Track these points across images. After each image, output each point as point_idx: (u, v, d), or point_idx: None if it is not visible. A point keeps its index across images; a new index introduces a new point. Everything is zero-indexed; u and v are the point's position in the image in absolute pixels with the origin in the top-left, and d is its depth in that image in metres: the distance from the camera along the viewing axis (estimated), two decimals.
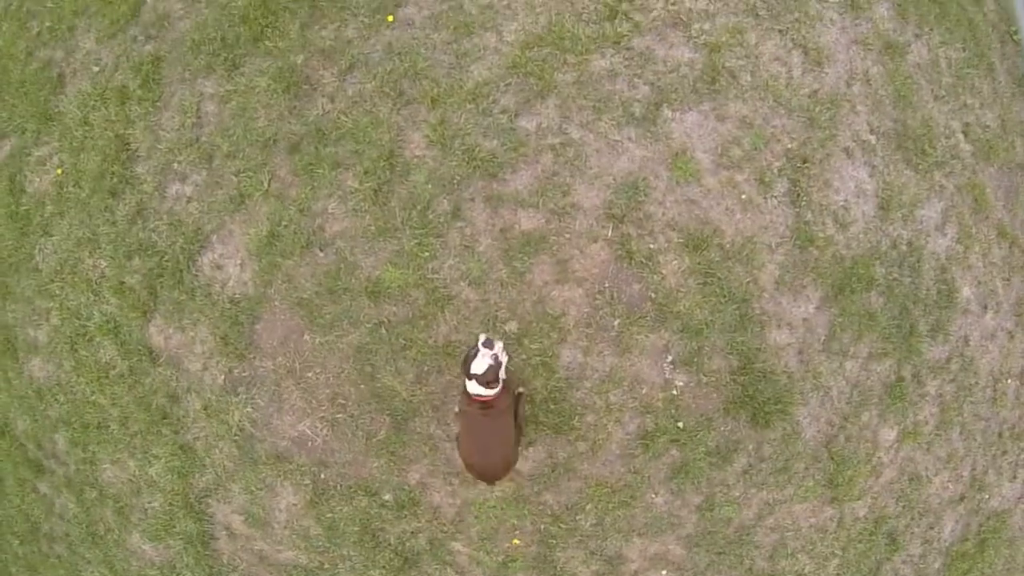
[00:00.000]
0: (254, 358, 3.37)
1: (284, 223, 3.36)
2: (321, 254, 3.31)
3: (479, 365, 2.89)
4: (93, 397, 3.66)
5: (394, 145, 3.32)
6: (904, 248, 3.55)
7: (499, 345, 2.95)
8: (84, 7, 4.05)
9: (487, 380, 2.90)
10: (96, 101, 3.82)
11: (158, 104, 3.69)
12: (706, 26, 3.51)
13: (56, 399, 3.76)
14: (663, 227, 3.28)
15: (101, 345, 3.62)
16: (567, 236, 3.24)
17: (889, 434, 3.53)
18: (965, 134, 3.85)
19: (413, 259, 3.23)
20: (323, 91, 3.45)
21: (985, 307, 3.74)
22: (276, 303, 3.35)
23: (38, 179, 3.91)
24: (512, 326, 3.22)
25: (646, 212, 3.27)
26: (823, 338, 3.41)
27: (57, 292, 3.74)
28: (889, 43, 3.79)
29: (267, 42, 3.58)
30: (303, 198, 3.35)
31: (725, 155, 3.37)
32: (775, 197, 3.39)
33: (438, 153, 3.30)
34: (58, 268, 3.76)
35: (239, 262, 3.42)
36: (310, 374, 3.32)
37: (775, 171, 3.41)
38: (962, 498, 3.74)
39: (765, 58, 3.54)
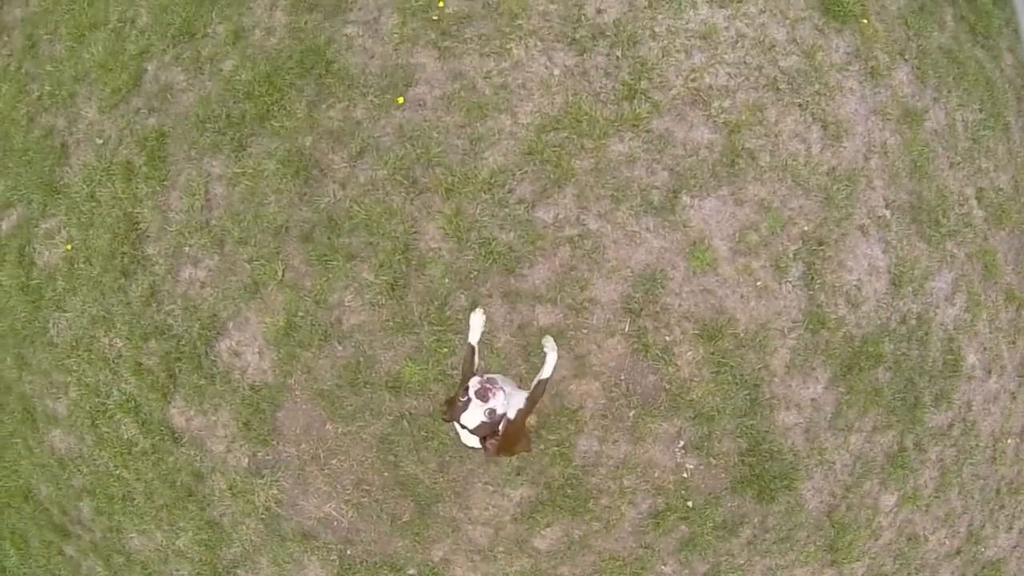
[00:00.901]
0: (277, 443, 3.44)
1: (301, 314, 3.35)
2: (340, 347, 3.32)
3: (471, 417, 2.45)
4: (117, 471, 3.73)
5: (409, 237, 3.27)
6: (913, 322, 3.59)
7: (499, 397, 2.44)
8: (84, 73, 3.87)
9: (482, 435, 2.50)
10: (102, 176, 3.71)
11: (165, 183, 3.59)
12: (726, 103, 3.41)
13: (79, 469, 3.83)
14: (679, 319, 3.30)
15: (122, 422, 3.66)
16: (585, 331, 3.26)
17: (889, 499, 3.68)
18: (979, 199, 3.82)
19: (432, 354, 3.25)
20: (333, 177, 3.36)
21: (989, 371, 3.82)
22: (297, 393, 3.38)
23: (47, 252, 3.84)
24: (531, 420, 3.28)
25: (663, 304, 3.28)
26: (829, 416, 3.50)
27: (74, 368, 3.75)
28: (907, 110, 3.70)
29: (274, 122, 3.46)
30: (319, 289, 3.33)
31: (742, 241, 3.35)
32: (790, 282, 3.40)
33: (454, 246, 3.26)
34: (73, 344, 3.75)
35: (257, 350, 3.42)
36: (334, 461, 3.39)
37: (791, 255, 3.40)
38: (958, 552, 3.93)
39: (785, 136, 3.46)
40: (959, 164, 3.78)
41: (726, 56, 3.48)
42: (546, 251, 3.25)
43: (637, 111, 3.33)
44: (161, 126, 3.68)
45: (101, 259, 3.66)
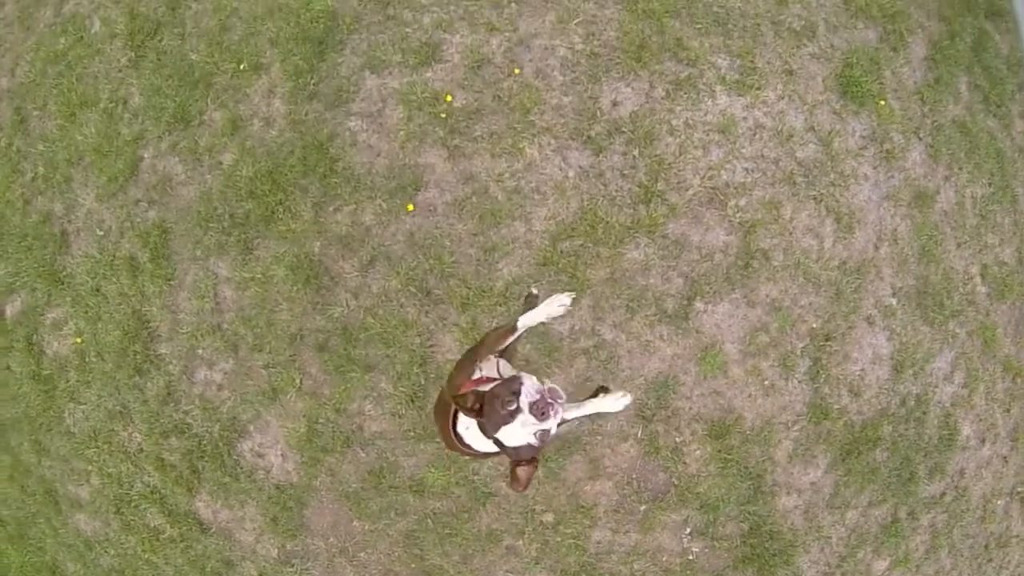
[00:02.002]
0: (306, 537, 3.54)
1: (321, 421, 3.37)
2: (363, 453, 3.36)
3: (513, 435, 1.78)
4: (145, 555, 3.82)
5: (425, 350, 3.25)
6: (912, 403, 3.70)
7: (558, 416, 1.81)
8: (78, 156, 3.68)
9: (517, 459, 1.86)
10: (105, 269, 3.60)
11: (172, 283, 3.49)
12: (742, 202, 3.34)
13: (106, 551, 3.92)
14: (689, 420, 3.37)
15: (147, 511, 3.73)
16: (599, 438, 3.32)
17: (881, 565, 3.91)
18: (983, 276, 3.84)
19: (454, 462, 3.32)
20: (345, 286, 3.29)
21: (983, 440, 3.97)
22: (322, 493, 3.45)
23: (56, 343, 3.77)
24: (548, 517, 3.40)
25: (674, 409, 3.34)
26: (827, 496, 3.66)
27: (94, 458, 3.77)
28: (919, 193, 3.65)
29: (280, 224, 3.34)
30: (338, 398, 3.33)
31: (752, 343, 3.38)
32: (796, 378, 3.46)
33: None
34: (91, 435, 3.75)
35: (280, 452, 3.46)
36: (362, 554, 3.51)
37: (798, 352, 3.44)
38: None
39: (799, 232, 3.42)
40: (966, 243, 3.78)
41: (744, 150, 3.39)
42: (562, 362, 3.26)
43: (653, 215, 3.26)
44: (162, 221, 3.54)
45: (113, 355, 3.61)
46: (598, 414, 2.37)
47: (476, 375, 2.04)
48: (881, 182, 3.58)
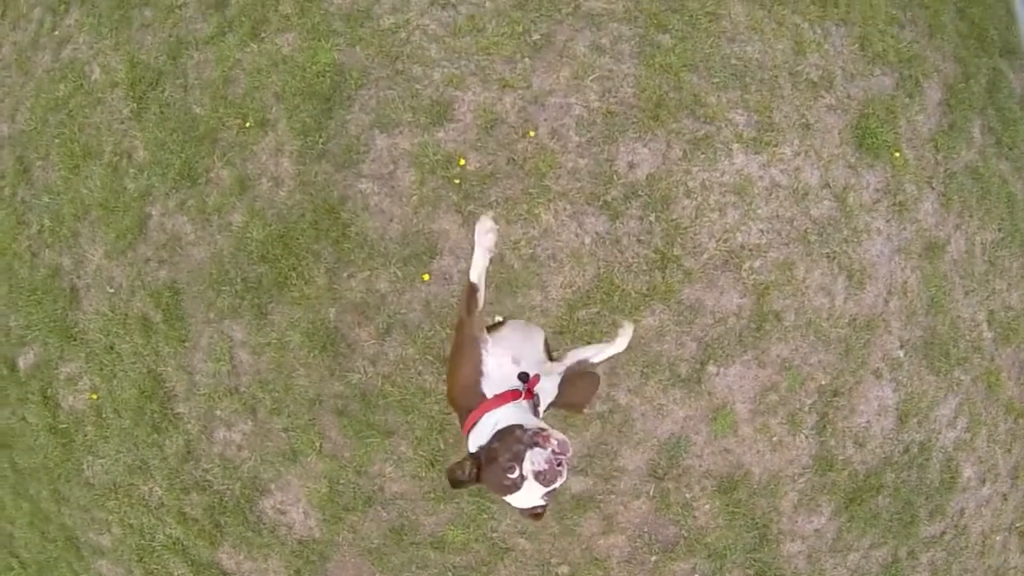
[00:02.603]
0: None
1: (343, 482, 3.40)
2: (384, 512, 3.41)
3: (523, 499, 1.66)
4: None
5: (444, 416, 3.26)
6: (915, 451, 3.77)
7: (561, 480, 1.64)
8: (84, 210, 3.60)
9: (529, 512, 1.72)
10: (118, 328, 3.56)
11: (186, 344, 3.47)
12: (756, 263, 3.32)
13: None
14: (699, 477, 3.43)
15: (170, 561, 3.79)
16: (613, 496, 3.38)
17: None
18: (989, 323, 3.85)
19: (473, 520, 3.37)
20: (362, 353, 3.28)
21: (984, 480, 4.05)
22: (345, 548, 3.51)
23: (71, 397, 3.75)
24: (564, 569, 3.49)
25: (685, 467, 3.39)
26: (830, 541, 3.76)
27: (115, 509, 3.80)
28: (930, 243, 3.64)
29: (293, 290, 3.30)
30: (359, 460, 3.35)
31: (762, 402, 3.41)
32: (803, 433, 3.51)
33: None
34: (111, 487, 3.78)
35: (302, 510, 3.51)
36: None
37: (806, 409, 3.48)
38: None
39: (811, 291, 3.41)
40: (974, 291, 3.79)
41: (759, 211, 3.35)
42: (578, 427, 3.29)
43: (669, 281, 3.24)
44: (173, 281, 3.49)
45: (130, 412, 3.61)
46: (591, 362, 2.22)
47: (488, 390, 1.78)
48: (893, 235, 3.57)
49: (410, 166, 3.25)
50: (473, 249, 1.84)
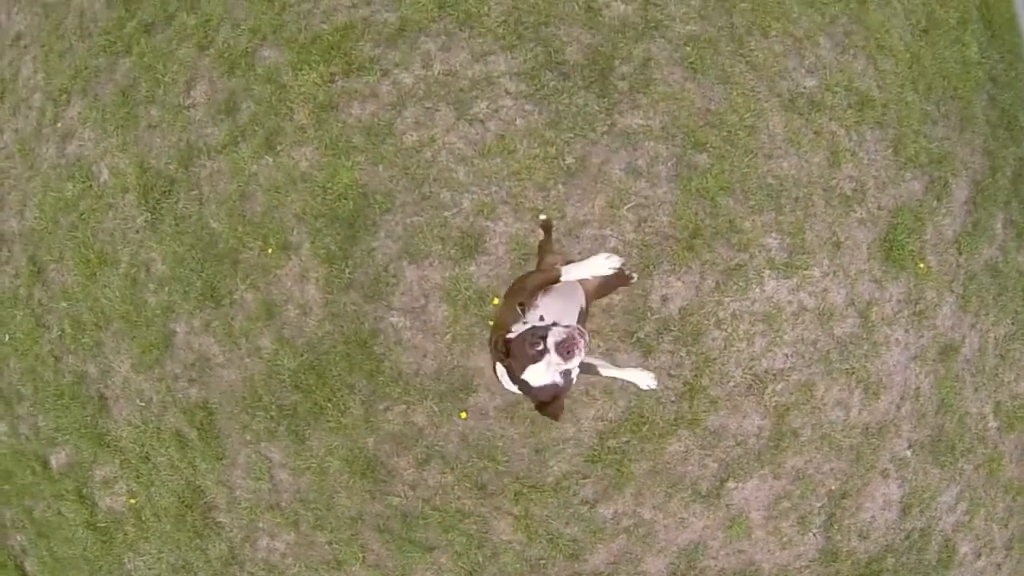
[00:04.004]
0: None
1: None
2: None
3: (538, 375, 1.83)
4: None
5: (482, 534, 3.36)
6: (916, 536, 3.97)
7: (582, 354, 1.82)
8: (105, 320, 3.50)
9: (541, 398, 1.93)
10: (152, 440, 3.54)
11: (224, 461, 3.47)
12: (779, 386, 3.36)
13: None
14: (714, 575, 3.63)
15: None
16: None
17: None
18: (995, 414, 3.94)
19: None
20: (402, 479, 3.31)
21: (979, 555, 4.24)
22: None
23: (109, 499, 3.78)
24: None
25: (701, 567, 3.56)
26: None
27: None
28: (945, 346, 3.68)
29: (330, 420, 3.28)
30: (401, 571, 3.47)
31: (775, 509, 3.54)
32: (811, 532, 3.69)
33: (523, 538, 3.37)
34: None
35: None
36: None
37: (816, 511, 3.64)
38: None
39: (828, 406, 3.47)
40: (983, 386, 3.86)
41: (785, 336, 3.34)
42: (605, 539, 3.41)
43: (695, 411, 3.28)
44: (206, 401, 3.45)
45: (171, 519, 3.66)
46: (625, 381, 2.40)
47: (521, 326, 1.94)
48: (911, 344, 3.60)
49: (442, 301, 3.17)
50: (585, 263, 2.16)
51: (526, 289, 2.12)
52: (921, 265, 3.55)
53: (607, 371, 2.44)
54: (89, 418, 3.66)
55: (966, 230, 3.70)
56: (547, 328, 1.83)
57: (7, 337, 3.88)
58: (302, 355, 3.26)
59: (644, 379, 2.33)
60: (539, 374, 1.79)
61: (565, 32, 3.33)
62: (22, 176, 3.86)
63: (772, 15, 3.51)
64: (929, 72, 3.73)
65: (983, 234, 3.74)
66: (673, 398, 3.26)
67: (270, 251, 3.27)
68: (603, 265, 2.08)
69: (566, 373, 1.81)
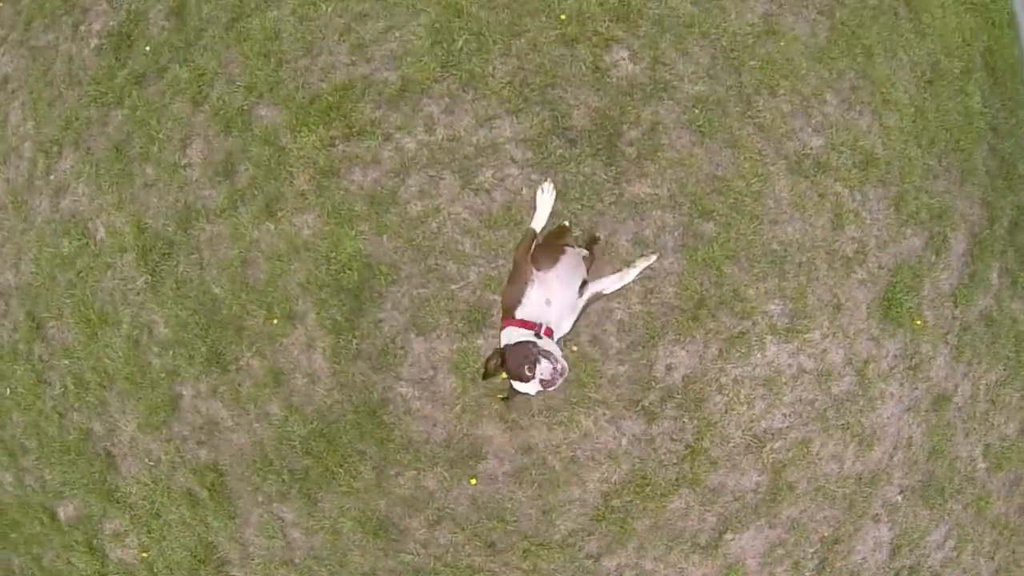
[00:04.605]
0: None
1: None
2: None
3: (525, 388, 2.15)
4: None
5: None
6: (906, 574, 4.15)
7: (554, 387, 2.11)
8: (108, 380, 3.50)
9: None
10: (162, 497, 3.57)
11: (236, 520, 3.52)
12: (777, 444, 3.44)
13: None
14: None
15: None
16: None
17: None
18: (984, 456, 4.05)
19: None
20: (414, 538, 3.38)
21: None
22: None
23: (120, 551, 3.83)
24: None
25: None
26: None
27: None
28: (938, 396, 3.77)
29: (341, 484, 3.32)
30: None
31: (770, 555, 3.67)
32: (804, 575, 3.84)
33: None
34: None
35: None
36: None
37: (809, 556, 3.78)
38: None
39: (823, 460, 3.57)
40: (974, 431, 3.97)
41: (784, 397, 3.41)
42: None
43: (696, 471, 3.35)
44: (216, 462, 3.47)
45: (184, 572, 3.72)
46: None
47: (519, 314, 2.27)
48: (905, 396, 3.69)
49: (450, 372, 3.18)
50: (536, 208, 2.45)
51: (522, 264, 2.33)
52: (919, 322, 3.61)
53: (617, 286, 2.61)
54: (97, 474, 3.67)
55: (963, 282, 3.75)
56: (537, 355, 2.09)
57: (8, 391, 3.85)
58: (312, 422, 3.28)
59: (647, 262, 2.63)
60: (526, 387, 2.14)
61: (572, 95, 3.26)
62: (16, 228, 3.76)
63: (780, 72, 3.45)
64: (932, 126, 3.72)
65: (979, 285, 3.79)
66: (675, 460, 3.34)
67: (275, 321, 3.25)
68: (547, 197, 2.48)
69: (547, 386, 2.13)
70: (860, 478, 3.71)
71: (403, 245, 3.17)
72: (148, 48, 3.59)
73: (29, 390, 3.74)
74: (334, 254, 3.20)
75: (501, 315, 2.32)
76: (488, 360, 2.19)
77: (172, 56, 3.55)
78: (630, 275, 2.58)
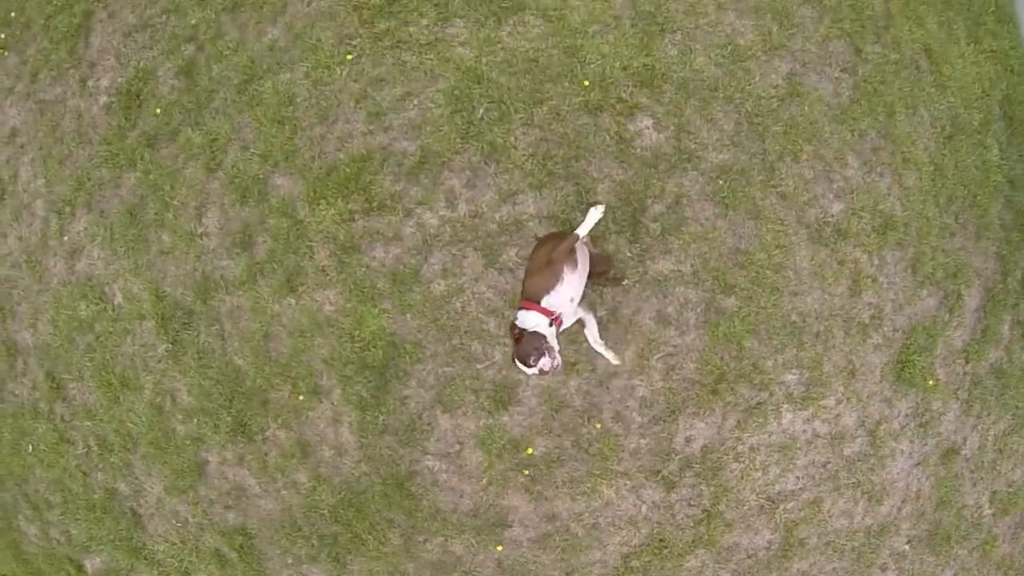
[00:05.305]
0: None
1: None
2: None
3: (527, 370, 2.53)
4: None
5: None
6: None
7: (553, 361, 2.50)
8: (132, 443, 3.56)
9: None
10: (191, 556, 3.65)
11: None
12: (790, 505, 3.54)
13: None
14: None
15: None
16: None
17: None
18: (991, 502, 4.14)
19: None
20: None
21: None
22: None
23: None
24: None
25: None
26: None
27: None
28: (947, 449, 3.86)
29: (370, 549, 3.40)
30: None
31: None
32: None
33: None
34: None
35: None
36: None
37: None
38: None
39: (834, 516, 3.68)
40: (981, 480, 4.06)
41: (798, 461, 3.49)
42: None
43: (711, 533, 3.45)
44: (244, 525, 3.53)
45: None
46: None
47: (544, 303, 2.60)
48: (915, 452, 3.78)
49: (476, 447, 3.23)
50: (585, 219, 2.75)
51: (559, 261, 2.63)
52: (931, 382, 3.67)
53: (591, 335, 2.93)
54: (124, 531, 3.74)
55: (975, 338, 3.80)
56: (544, 349, 2.51)
57: (30, 447, 3.88)
58: (340, 492, 3.34)
59: (598, 214, 2.82)
60: (523, 368, 2.52)
61: (596, 167, 3.21)
62: (31, 288, 3.72)
63: (804, 136, 3.41)
64: (951, 183, 3.71)
65: (991, 340, 3.85)
66: (692, 523, 3.44)
67: (301, 397, 3.26)
68: (596, 213, 2.76)
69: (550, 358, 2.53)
70: (869, 531, 3.83)
71: (427, 324, 3.17)
72: (159, 110, 3.48)
73: (51, 448, 3.77)
74: (357, 331, 3.20)
75: (522, 297, 2.64)
76: (512, 330, 2.58)
77: (183, 118, 3.46)
78: (583, 229, 2.80)
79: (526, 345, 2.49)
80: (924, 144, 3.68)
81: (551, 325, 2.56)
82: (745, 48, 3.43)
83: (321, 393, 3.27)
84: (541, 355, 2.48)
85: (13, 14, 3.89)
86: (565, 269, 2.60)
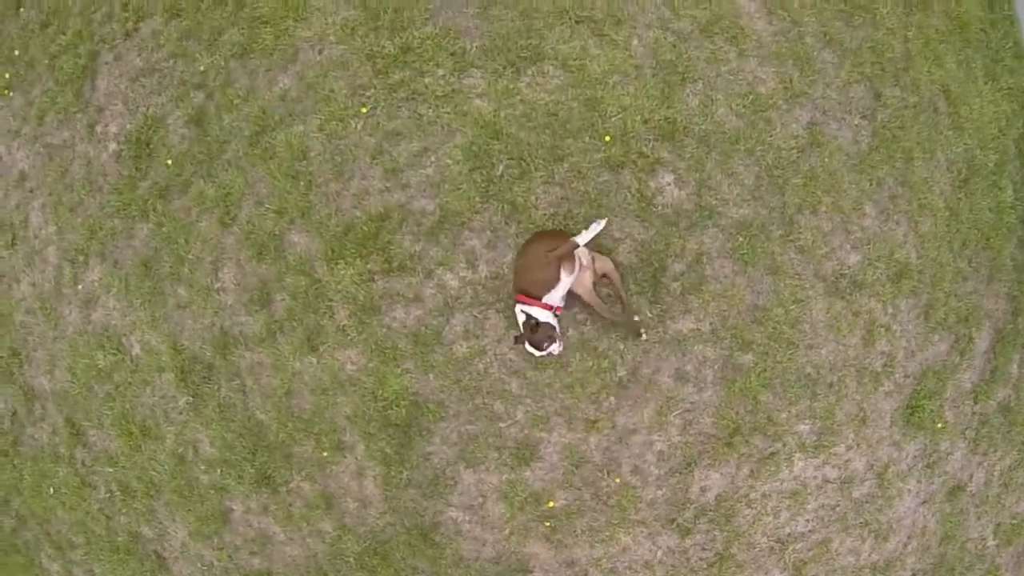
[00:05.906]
0: None
1: None
2: None
3: (536, 352, 2.99)
4: None
5: None
6: None
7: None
8: (155, 490, 3.63)
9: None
10: None
11: None
12: (799, 546, 3.66)
13: None
14: None
15: None
16: None
17: None
18: (995, 534, 4.25)
19: None
20: None
21: None
22: None
23: None
24: None
25: None
26: None
27: None
28: (954, 487, 3.97)
29: None
30: None
31: None
32: None
33: None
34: None
35: None
36: None
37: None
38: None
39: (842, 555, 3.81)
40: (985, 513, 4.18)
41: (808, 505, 3.59)
42: None
43: (724, 574, 3.58)
44: (270, 570, 3.62)
45: None
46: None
47: (546, 299, 3.04)
48: (922, 491, 3.89)
49: (499, 500, 3.30)
50: (587, 228, 3.10)
51: (555, 266, 2.99)
52: (940, 424, 3.76)
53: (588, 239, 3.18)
54: (148, 573, 3.83)
55: (984, 378, 3.88)
56: (555, 337, 2.98)
57: (52, 490, 3.92)
58: (365, 541, 3.42)
59: (599, 227, 3.18)
60: (533, 350, 2.98)
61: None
62: (47, 335, 3.70)
63: (823, 188, 3.40)
64: (965, 227, 3.72)
65: (1000, 379, 3.92)
66: (705, 566, 3.55)
67: (325, 453, 3.31)
68: (597, 227, 3.13)
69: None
70: (875, 567, 3.96)
71: (450, 384, 3.20)
72: (170, 161, 3.41)
73: (73, 492, 3.82)
74: (380, 391, 3.23)
75: (518, 292, 3.03)
76: (525, 325, 2.99)
77: (195, 170, 3.39)
78: (583, 238, 3.09)
79: (540, 334, 2.94)
80: (940, 189, 3.68)
81: (556, 316, 3.02)
82: (766, 97, 3.38)
83: (345, 448, 3.32)
84: (553, 341, 2.95)
85: (17, 52, 3.76)
86: (563, 272, 2.97)
